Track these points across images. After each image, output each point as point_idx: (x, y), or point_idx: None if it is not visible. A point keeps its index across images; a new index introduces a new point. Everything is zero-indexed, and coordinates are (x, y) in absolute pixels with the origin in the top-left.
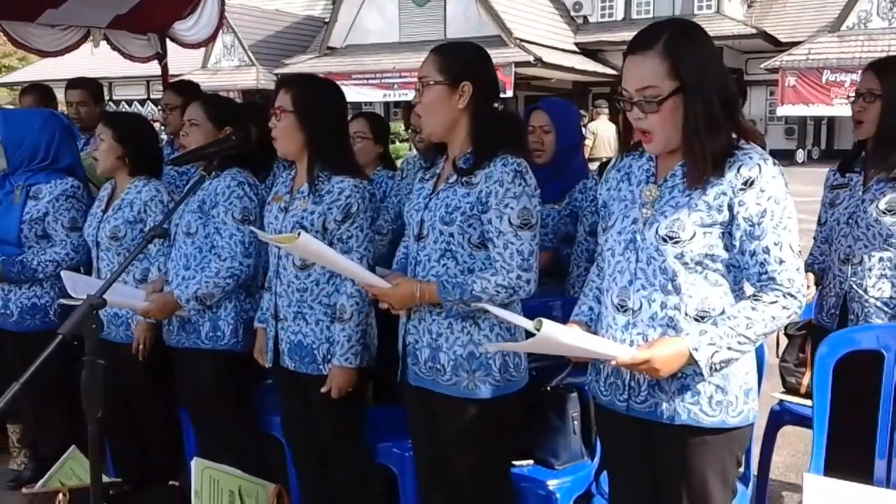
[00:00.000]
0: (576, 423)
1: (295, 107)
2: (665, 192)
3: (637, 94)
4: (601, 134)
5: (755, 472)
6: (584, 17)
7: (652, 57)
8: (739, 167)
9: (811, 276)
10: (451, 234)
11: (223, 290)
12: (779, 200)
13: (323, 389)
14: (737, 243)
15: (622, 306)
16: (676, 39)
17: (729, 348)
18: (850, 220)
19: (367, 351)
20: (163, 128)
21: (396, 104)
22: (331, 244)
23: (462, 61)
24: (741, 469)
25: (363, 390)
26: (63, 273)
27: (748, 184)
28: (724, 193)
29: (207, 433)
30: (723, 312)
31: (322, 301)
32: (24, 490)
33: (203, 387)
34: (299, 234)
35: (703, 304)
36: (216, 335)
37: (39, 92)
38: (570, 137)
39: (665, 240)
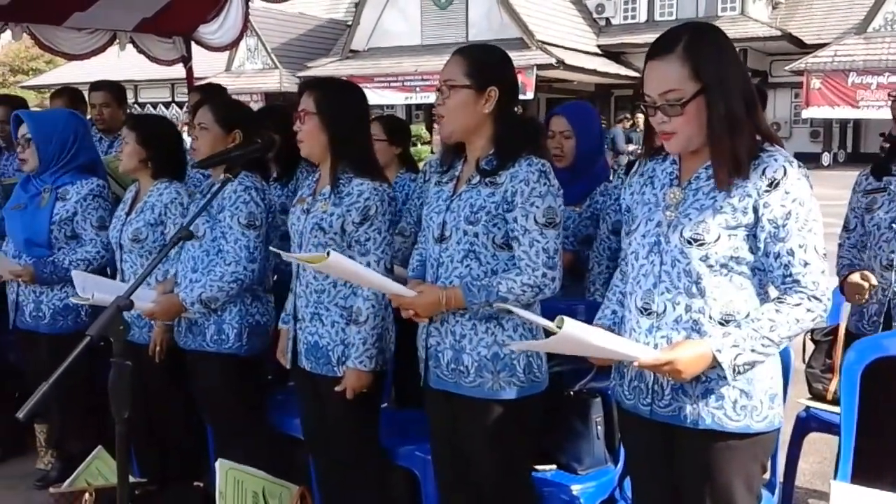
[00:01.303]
0: (599, 427)
1: (318, 109)
2: (689, 194)
3: (660, 99)
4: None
5: (781, 479)
6: (607, 20)
7: (673, 60)
8: (764, 169)
9: (870, 274)
10: (476, 235)
11: (227, 295)
12: (804, 202)
13: (337, 389)
14: (761, 245)
15: (646, 309)
16: (696, 42)
17: (752, 350)
18: (895, 225)
19: (381, 355)
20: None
21: (418, 107)
22: (349, 246)
23: (489, 66)
24: (766, 475)
25: (378, 394)
26: (73, 272)
27: (773, 185)
28: (749, 195)
29: (221, 434)
30: (747, 315)
31: (338, 303)
32: (51, 489)
33: (210, 389)
34: (328, 253)
35: (728, 307)
36: (220, 338)
37: (69, 95)
38: (590, 141)
39: (690, 242)
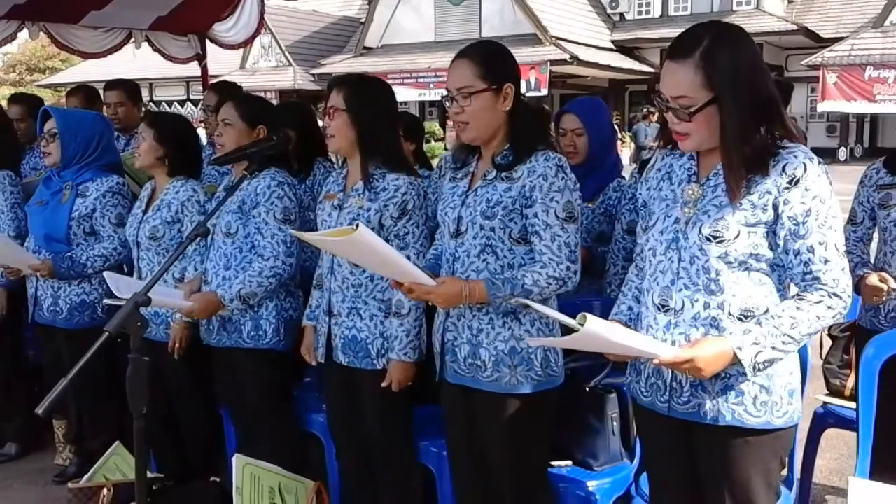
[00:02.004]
0: (615, 424)
1: (347, 106)
2: (708, 190)
3: (673, 102)
4: None
5: (798, 476)
6: (621, 15)
7: (688, 67)
8: (784, 166)
9: (888, 276)
10: (492, 229)
11: (266, 290)
12: (824, 199)
13: (384, 384)
14: (781, 242)
15: (664, 306)
16: (714, 49)
17: (773, 348)
18: None
19: (420, 347)
20: (205, 128)
21: (431, 103)
22: (387, 241)
23: (500, 64)
24: (784, 471)
25: (411, 388)
26: (106, 274)
27: (793, 182)
28: (769, 192)
29: (248, 430)
30: (767, 312)
31: (376, 296)
32: (69, 485)
33: (245, 385)
34: (357, 226)
35: (747, 304)
36: (258, 334)
37: (84, 93)
38: (601, 136)
39: (709, 239)
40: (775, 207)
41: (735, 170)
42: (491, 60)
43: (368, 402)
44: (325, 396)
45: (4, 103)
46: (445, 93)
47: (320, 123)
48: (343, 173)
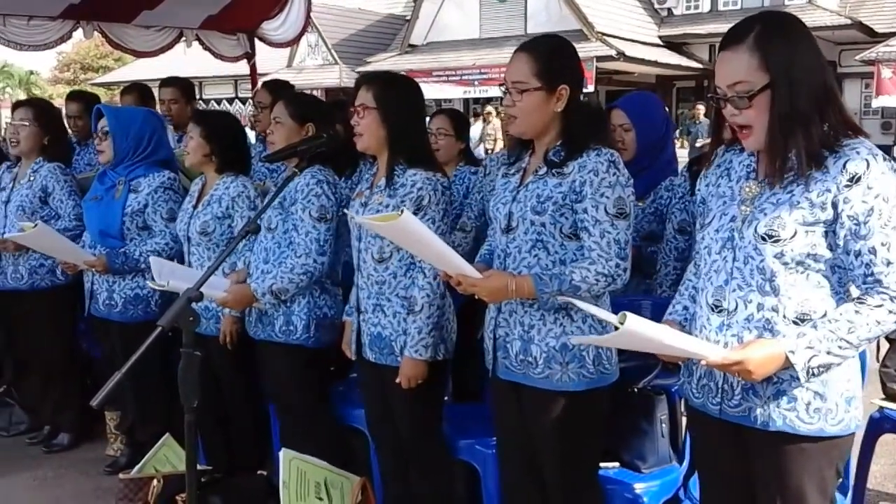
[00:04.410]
0: (664, 426)
1: (377, 104)
2: (766, 188)
3: (729, 91)
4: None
5: (852, 481)
6: (669, 10)
7: (742, 51)
8: (845, 162)
9: None
10: (543, 225)
11: (297, 286)
12: (888, 198)
13: (397, 380)
14: (841, 243)
15: (717, 306)
16: (767, 32)
17: (828, 353)
18: None
19: (441, 344)
20: (254, 125)
21: (476, 101)
22: None
23: (559, 64)
24: (840, 479)
25: (441, 386)
26: (151, 258)
27: (854, 180)
28: (829, 190)
29: (288, 424)
30: (824, 315)
31: (399, 293)
32: (120, 475)
33: (280, 378)
34: (402, 211)
35: (804, 307)
36: (289, 329)
37: (139, 91)
38: (652, 132)
39: (764, 238)
40: (834, 206)
41: (776, 156)
42: (551, 59)
43: (396, 399)
44: (360, 393)
45: (59, 101)
46: (493, 89)
47: None
48: (373, 171)
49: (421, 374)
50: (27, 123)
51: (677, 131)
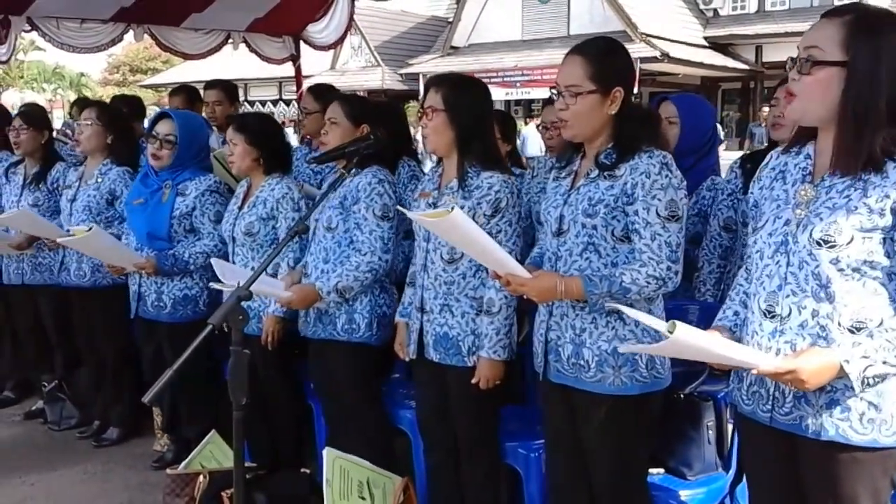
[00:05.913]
0: (711, 432)
1: (445, 105)
2: (822, 192)
3: (803, 52)
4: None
5: None
6: (715, 10)
7: (835, 23)
8: None
9: None
10: (594, 227)
11: (362, 284)
12: None
13: (473, 381)
14: None
15: (770, 312)
16: (866, 19)
17: (885, 363)
18: None
19: (511, 346)
20: (298, 128)
21: (517, 102)
22: None
23: (613, 68)
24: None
25: (503, 387)
26: (213, 260)
27: None
28: (888, 196)
29: (339, 423)
30: (881, 324)
31: (468, 294)
32: (167, 471)
33: (338, 377)
34: (452, 208)
35: (860, 315)
36: (352, 327)
37: (187, 93)
38: (697, 134)
39: (819, 244)
40: (893, 212)
41: (849, 145)
42: (605, 61)
43: (458, 399)
44: (415, 393)
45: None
46: (535, 90)
47: None
48: (439, 171)
49: (498, 374)
50: (90, 123)
51: (722, 133)
